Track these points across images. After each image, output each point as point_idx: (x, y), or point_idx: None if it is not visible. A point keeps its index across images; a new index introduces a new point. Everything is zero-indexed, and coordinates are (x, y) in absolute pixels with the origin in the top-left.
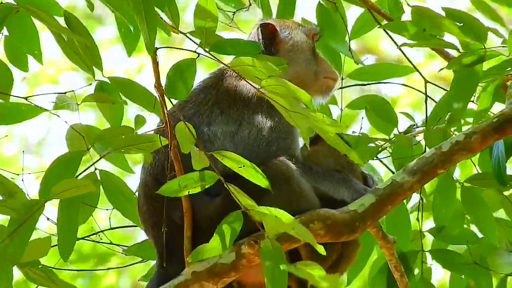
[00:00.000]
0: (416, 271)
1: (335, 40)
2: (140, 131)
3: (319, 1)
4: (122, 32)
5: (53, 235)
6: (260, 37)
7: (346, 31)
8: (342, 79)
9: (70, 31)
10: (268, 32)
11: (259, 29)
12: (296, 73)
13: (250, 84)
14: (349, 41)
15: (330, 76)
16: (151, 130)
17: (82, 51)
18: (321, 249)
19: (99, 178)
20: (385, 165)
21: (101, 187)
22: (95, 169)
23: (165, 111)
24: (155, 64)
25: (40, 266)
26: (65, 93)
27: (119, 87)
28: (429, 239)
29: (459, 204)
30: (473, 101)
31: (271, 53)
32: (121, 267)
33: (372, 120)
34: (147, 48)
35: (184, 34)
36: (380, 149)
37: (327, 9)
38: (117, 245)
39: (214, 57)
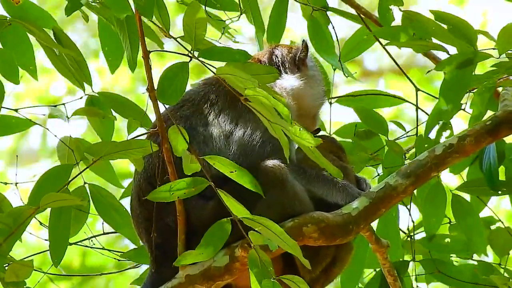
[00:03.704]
0: None
1: (325, 54)
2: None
3: (310, 14)
4: (105, 50)
5: (45, 240)
6: (300, 50)
7: (335, 44)
8: (330, 103)
9: (60, 46)
10: (304, 51)
11: (303, 42)
12: (301, 98)
13: (235, 93)
14: (340, 59)
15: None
16: (145, 133)
17: (72, 67)
18: (306, 263)
19: (88, 192)
20: None
21: None
22: (84, 183)
23: (158, 115)
24: (148, 67)
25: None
26: (56, 105)
27: (108, 102)
28: None
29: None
30: (463, 109)
31: (297, 68)
32: (114, 273)
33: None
34: (129, 65)
35: (175, 38)
36: (371, 157)
37: (317, 22)
38: (110, 250)
39: (203, 63)
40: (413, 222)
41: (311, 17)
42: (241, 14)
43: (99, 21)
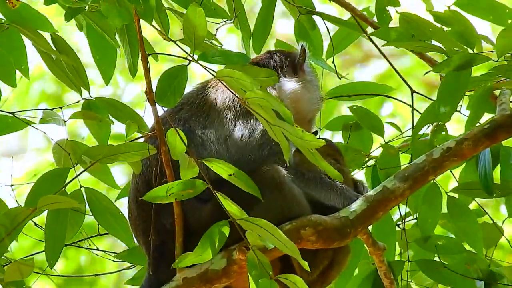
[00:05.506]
0: None
1: (313, 56)
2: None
3: (297, 19)
4: (97, 59)
5: (41, 240)
6: (298, 55)
7: (330, 44)
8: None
9: (57, 52)
10: (303, 56)
11: (301, 48)
12: (299, 102)
13: (235, 95)
14: (333, 55)
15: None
16: (143, 136)
17: (70, 72)
18: (305, 265)
19: (84, 196)
20: None
21: None
22: (81, 186)
23: (157, 117)
24: (147, 70)
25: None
26: (52, 109)
27: (105, 106)
28: None
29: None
30: (459, 111)
31: (295, 72)
32: (109, 273)
33: (348, 139)
34: (129, 70)
35: (174, 41)
36: (366, 159)
37: (305, 27)
38: (105, 251)
39: (203, 66)
40: (404, 221)
41: (298, 21)
42: (234, 19)
43: (88, 29)
